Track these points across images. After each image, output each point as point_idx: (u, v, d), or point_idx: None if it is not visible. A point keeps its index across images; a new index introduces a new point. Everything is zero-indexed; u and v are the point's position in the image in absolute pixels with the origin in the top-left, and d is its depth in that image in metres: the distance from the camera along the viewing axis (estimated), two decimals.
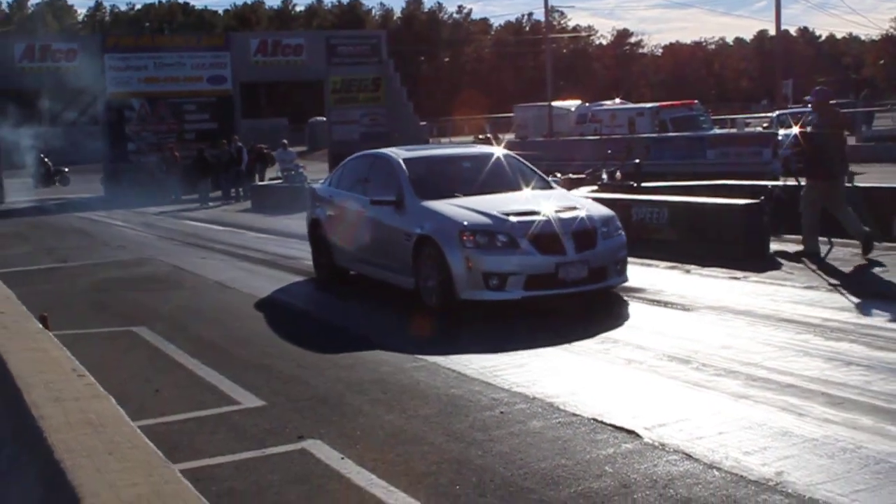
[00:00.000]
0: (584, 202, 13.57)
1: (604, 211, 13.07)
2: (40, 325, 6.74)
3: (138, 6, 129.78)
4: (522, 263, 11.84)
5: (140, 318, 13.42)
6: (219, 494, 6.39)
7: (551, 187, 14.37)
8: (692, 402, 8.17)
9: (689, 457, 6.78)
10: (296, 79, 54.09)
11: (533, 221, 12.10)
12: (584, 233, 12.23)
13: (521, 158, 15.60)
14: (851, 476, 6.24)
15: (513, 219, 12.15)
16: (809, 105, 17.01)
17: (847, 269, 14.05)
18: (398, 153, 14.75)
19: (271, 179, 39.62)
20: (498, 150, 15.82)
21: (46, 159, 52.68)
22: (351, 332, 12.19)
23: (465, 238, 11.97)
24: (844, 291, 12.49)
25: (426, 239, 12.44)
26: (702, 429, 7.36)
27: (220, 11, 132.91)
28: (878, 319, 10.78)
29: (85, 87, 46.99)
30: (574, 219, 12.36)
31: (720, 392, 8.38)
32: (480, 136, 66.30)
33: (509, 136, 50.76)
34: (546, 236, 11.97)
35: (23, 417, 4.16)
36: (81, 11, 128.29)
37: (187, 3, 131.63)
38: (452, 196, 13.15)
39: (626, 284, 12.89)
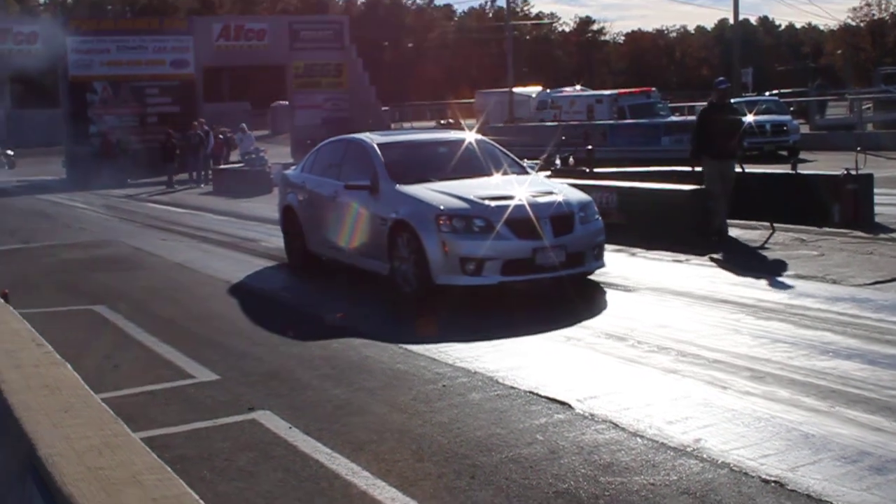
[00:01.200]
0: (560, 187, 13.41)
1: (581, 196, 12.94)
2: (2, 301, 7.04)
3: None
4: (499, 248, 11.63)
5: (101, 297, 13.70)
6: (171, 460, 6.67)
7: (527, 172, 14.09)
8: (624, 376, 8.59)
9: (615, 426, 7.20)
10: (258, 63, 54.18)
11: (510, 206, 11.89)
12: (561, 217, 12.08)
13: (496, 144, 15.44)
14: (763, 443, 6.67)
15: (490, 203, 11.97)
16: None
17: (784, 252, 14.52)
18: (372, 138, 14.58)
19: (233, 163, 39.78)
20: (473, 136, 15.57)
21: None
22: (307, 312, 12.49)
23: (441, 222, 11.78)
24: (780, 274, 12.96)
25: (402, 223, 12.23)
26: (630, 400, 7.78)
27: None
28: (808, 300, 11.23)
29: (46, 71, 47.00)
30: (551, 203, 12.22)
31: (651, 367, 8.81)
32: (443, 122, 66.75)
33: (470, 122, 50.98)
34: (523, 221, 11.76)
35: None
36: None
37: None
38: (427, 181, 12.92)
39: None
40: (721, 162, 16.13)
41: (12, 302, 8.69)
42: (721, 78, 19.28)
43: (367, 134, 15.46)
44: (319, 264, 14.98)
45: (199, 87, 48.05)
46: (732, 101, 39.03)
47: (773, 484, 5.98)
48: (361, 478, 6.40)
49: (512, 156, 14.71)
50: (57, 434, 3.56)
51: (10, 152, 53.73)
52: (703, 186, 16.13)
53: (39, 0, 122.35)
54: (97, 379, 8.73)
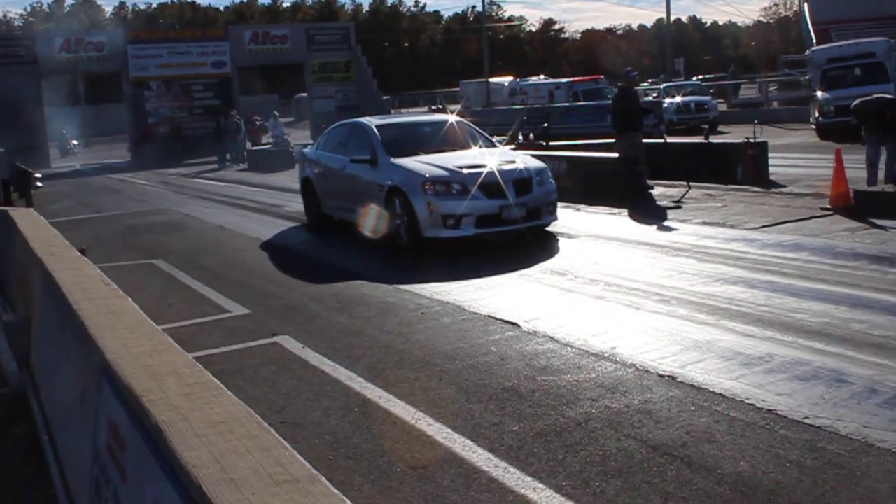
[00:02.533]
0: (522, 157, 13.60)
1: (538, 163, 13.18)
2: (80, 254, 7.38)
3: (154, 5, 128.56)
4: (473, 206, 11.90)
5: (157, 252, 14.03)
6: (212, 373, 7.04)
7: (495, 146, 14.24)
8: (562, 302, 8.97)
9: (552, 339, 7.59)
10: (282, 62, 54.03)
11: (481, 173, 12.14)
12: (522, 181, 12.32)
13: (470, 123, 15.53)
14: (662, 348, 7.07)
15: (465, 171, 12.21)
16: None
17: (695, 204, 14.86)
18: (371, 121, 14.70)
19: (264, 145, 39.86)
20: (452, 118, 15.68)
21: (66, 132, 52.86)
22: (320, 261, 12.79)
23: (427, 187, 12.04)
24: (690, 221, 13.29)
25: (396, 189, 12.50)
26: (564, 320, 8.17)
27: (221, 8, 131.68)
28: (709, 241, 11.60)
29: (111, 73, 47.08)
30: (514, 170, 12.45)
31: (583, 295, 9.19)
32: (433, 107, 66.59)
33: (455, 107, 50.99)
34: (492, 184, 12.04)
35: (67, 310, 4.85)
36: (108, 9, 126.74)
37: (194, 2, 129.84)
38: (416, 154, 13.10)
39: None
40: (636, 133, 16.48)
41: (88, 256, 9.03)
42: (629, 68, 19.57)
43: (368, 117, 15.60)
44: (331, 223, 15.16)
45: (235, 83, 48.12)
46: (664, 85, 39.19)
47: (666, 377, 6.39)
48: (356, 382, 6.79)
49: (483, 133, 14.83)
50: (119, 344, 3.93)
51: (74, 142, 53.75)
52: (623, 155, 16.45)
53: (105, 15, 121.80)
54: (156, 314, 9.04)
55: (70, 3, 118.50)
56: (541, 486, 4.81)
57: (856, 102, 14.58)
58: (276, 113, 41.36)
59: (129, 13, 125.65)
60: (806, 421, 5.44)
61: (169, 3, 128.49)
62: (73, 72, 48.47)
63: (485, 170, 12.29)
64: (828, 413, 5.53)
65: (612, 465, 5.02)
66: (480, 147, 13.91)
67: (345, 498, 2.26)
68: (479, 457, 5.23)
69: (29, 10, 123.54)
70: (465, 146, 13.90)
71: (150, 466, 2.88)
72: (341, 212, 14.70)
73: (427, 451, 5.38)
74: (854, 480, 4.65)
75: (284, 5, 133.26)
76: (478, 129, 15.09)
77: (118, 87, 49.19)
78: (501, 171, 12.32)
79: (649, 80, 62.63)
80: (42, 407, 5.88)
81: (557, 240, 12.61)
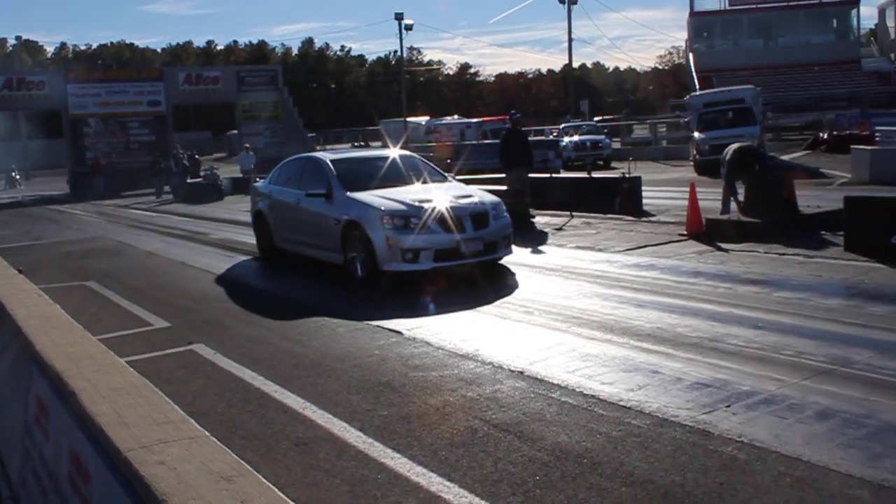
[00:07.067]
0: (476, 191, 12.91)
1: (493, 198, 12.52)
2: (17, 272, 7.92)
3: (95, 46, 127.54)
4: (432, 240, 11.32)
5: (91, 275, 14.44)
6: None
7: (447, 180, 13.55)
8: (441, 314, 9.69)
9: (427, 343, 8.32)
10: (214, 102, 54.32)
11: (439, 207, 11.58)
12: (479, 215, 11.76)
13: (422, 158, 14.85)
14: (518, 350, 7.86)
15: (423, 205, 11.59)
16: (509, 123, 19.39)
17: (574, 231, 15.82)
18: (326, 156, 13.92)
19: (196, 178, 40.00)
20: (405, 153, 14.91)
21: (14, 167, 52.54)
22: (238, 282, 13.33)
23: (384, 221, 11.38)
24: (566, 246, 14.20)
25: (353, 223, 11.82)
26: (440, 329, 8.90)
27: (159, 49, 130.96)
28: (578, 262, 12.47)
29: (52, 111, 46.91)
30: (471, 204, 11.90)
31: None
32: (355, 144, 67.18)
33: (375, 144, 51.65)
34: (450, 218, 11.46)
35: (5, 317, 5.47)
36: (50, 49, 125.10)
37: (133, 44, 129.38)
38: (372, 188, 12.43)
39: None
40: (521, 169, 17.40)
41: (26, 278, 9.49)
42: (513, 111, 20.55)
43: (321, 153, 14.86)
44: (284, 256, 14.37)
45: (170, 121, 48.34)
46: (563, 125, 40.44)
47: (516, 372, 7.18)
48: (257, 380, 7.44)
49: (436, 167, 14.38)
50: (46, 339, 4.56)
51: (15, 175, 53.33)
52: (520, 188, 17.35)
53: (47, 55, 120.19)
54: (86, 328, 9.55)
55: (13, 43, 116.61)
56: (398, 455, 5.55)
57: (728, 157, 14.69)
58: (248, 145, 40.50)
59: (69, 53, 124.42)
60: (620, 403, 6.27)
61: (108, 44, 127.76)
62: (15, 109, 48.19)
63: (442, 204, 11.71)
64: (639, 397, 6.37)
65: (458, 440, 5.77)
66: (433, 181, 13.31)
67: (204, 430, 2.97)
68: (351, 435, 5.94)
69: None
70: (418, 180, 13.26)
71: (66, 423, 3.56)
72: (295, 245, 13.96)
73: (309, 432, 6.07)
74: (646, 445, 5.48)
75: (219, 48, 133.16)
76: (429, 163, 14.64)
77: (59, 123, 49.02)
78: (459, 206, 11.77)
79: (567, 118, 63.68)
80: None
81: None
